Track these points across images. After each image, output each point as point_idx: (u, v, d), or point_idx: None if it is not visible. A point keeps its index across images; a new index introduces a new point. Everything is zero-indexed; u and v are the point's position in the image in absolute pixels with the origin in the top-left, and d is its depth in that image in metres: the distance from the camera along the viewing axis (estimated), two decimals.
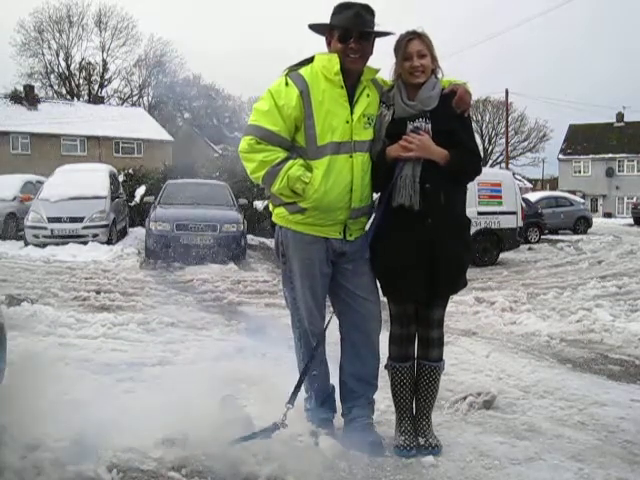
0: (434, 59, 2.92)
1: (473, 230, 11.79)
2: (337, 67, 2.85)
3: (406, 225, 2.85)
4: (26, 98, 36.97)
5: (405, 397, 3.04)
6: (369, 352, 3.06)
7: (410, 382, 3.03)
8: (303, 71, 2.90)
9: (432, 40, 2.91)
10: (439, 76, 2.97)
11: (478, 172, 2.97)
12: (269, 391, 3.77)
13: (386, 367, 3.07)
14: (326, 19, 2.94)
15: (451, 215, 2.90)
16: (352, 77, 2.91)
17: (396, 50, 2.91)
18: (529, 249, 15.72)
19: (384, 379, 3.13)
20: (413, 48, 2.86)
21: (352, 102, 2.90)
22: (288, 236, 2.98)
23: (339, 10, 2.88)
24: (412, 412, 3.06)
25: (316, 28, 3.00)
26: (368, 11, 2.88)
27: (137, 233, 15.15)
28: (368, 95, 2.94)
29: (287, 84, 2.87)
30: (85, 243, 12.08)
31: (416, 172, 2.83)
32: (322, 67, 2.89)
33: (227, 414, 2.86)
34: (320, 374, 3.09)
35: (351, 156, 2.88)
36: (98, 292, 7.46)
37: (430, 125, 2.84)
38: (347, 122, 2.88)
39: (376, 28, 2.91)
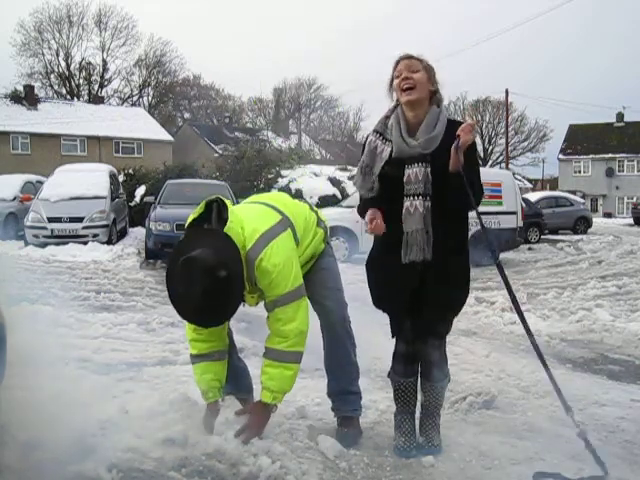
0: (432, 82, 2.77)
1: (473, 230, 11.78)
2: None
3: (396, 266, 2.79)
4: (26, 98, 36.93)
5: (408, 406, 3.05)
6: (332, 341, 3.13)
7: (413, 395, 3.05)
8: None
9: (433, 66, 2.78)
10: (441, 107, 2.80)
11: (474, 207, 2.81)
12: None
13: (389, 376, 3.07)
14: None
15: (449, 258, 2.80)
16: None
17: (392, 74, 2.82)
18: (529, 249, 15.72)
19: (385, 380, 3.13)
20: (403, 65, 2.74)
21: None
22: None
23: (174, 301, 2.65)
24: (414, 414, 3.07)
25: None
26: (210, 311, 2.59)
27: (137, 233, 15.16)
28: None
29: None
30: (85, 243, 12.07)
31: (427, 222, 2.71)
32: None
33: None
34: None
35: None
36: (98, 292, 7.45)
37: (429, 169, 2.71)
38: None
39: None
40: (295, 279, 2.79)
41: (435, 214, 2.73)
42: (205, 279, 2.49)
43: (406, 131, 2.75)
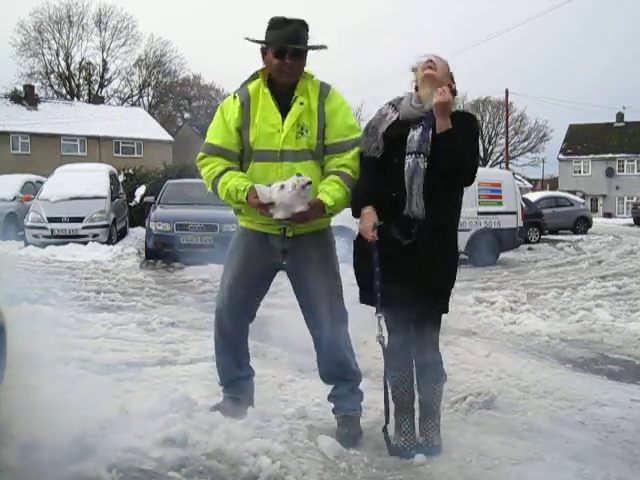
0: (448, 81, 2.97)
1: (473, 230, 11.27)
2: (263, 86, 3.01)
3: (394, 255, 2.87)
4: (26, 98, 36.95)
5: (405, 402, 3.04)
6: (331, 348, 3.12)
7: (410, 389, 3.03)
8: (250, 85, 3.06)
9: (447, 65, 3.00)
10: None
11: (470, 174, 2.91)
12: (269, 391, 3.77)
13: (386, 376, 3.06)
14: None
15: (441, 244, 2.89)
16: (287, 87, 3.01)
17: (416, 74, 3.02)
18: (529, 249, 15.73)
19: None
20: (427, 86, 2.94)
21: (286, 111, 2.98)
22: (238, 228, 3.24)
23: (276, 26, 2.94)
24: (412, 413, 3.06)
25: (254, 41, 3.07)
26: (304, 27, 2.98)
27: (137, 233, 15.16)
28: (302, 103, 3.00)
29: (234, 97, 3.06)
30: (85, 243, 12.07)
31: (420, 182, 2.85)
32: (258, 83, 3.05)
33: (263, 199, 2.87)
34: (227, 354, 3.23)
35: (280, 165, 2.98)
36: (98, 292, 7.46)
37: (431, 131, 2.85)
38: (278, 131, 2.98)
39: (310, 42, 3.01)
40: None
41: (432, 176, 2.84)
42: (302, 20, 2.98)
43: (416, 101, 2.97)
